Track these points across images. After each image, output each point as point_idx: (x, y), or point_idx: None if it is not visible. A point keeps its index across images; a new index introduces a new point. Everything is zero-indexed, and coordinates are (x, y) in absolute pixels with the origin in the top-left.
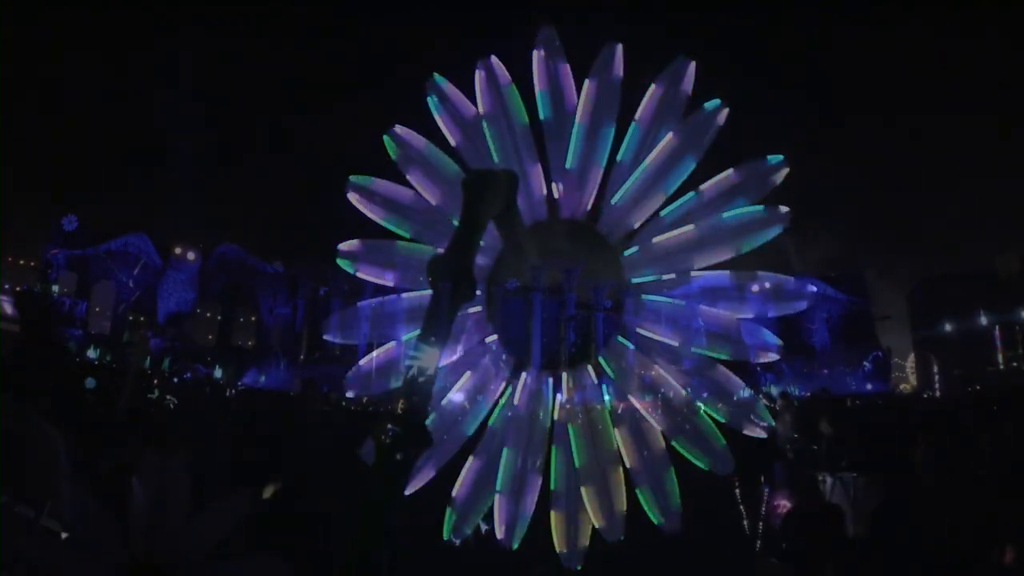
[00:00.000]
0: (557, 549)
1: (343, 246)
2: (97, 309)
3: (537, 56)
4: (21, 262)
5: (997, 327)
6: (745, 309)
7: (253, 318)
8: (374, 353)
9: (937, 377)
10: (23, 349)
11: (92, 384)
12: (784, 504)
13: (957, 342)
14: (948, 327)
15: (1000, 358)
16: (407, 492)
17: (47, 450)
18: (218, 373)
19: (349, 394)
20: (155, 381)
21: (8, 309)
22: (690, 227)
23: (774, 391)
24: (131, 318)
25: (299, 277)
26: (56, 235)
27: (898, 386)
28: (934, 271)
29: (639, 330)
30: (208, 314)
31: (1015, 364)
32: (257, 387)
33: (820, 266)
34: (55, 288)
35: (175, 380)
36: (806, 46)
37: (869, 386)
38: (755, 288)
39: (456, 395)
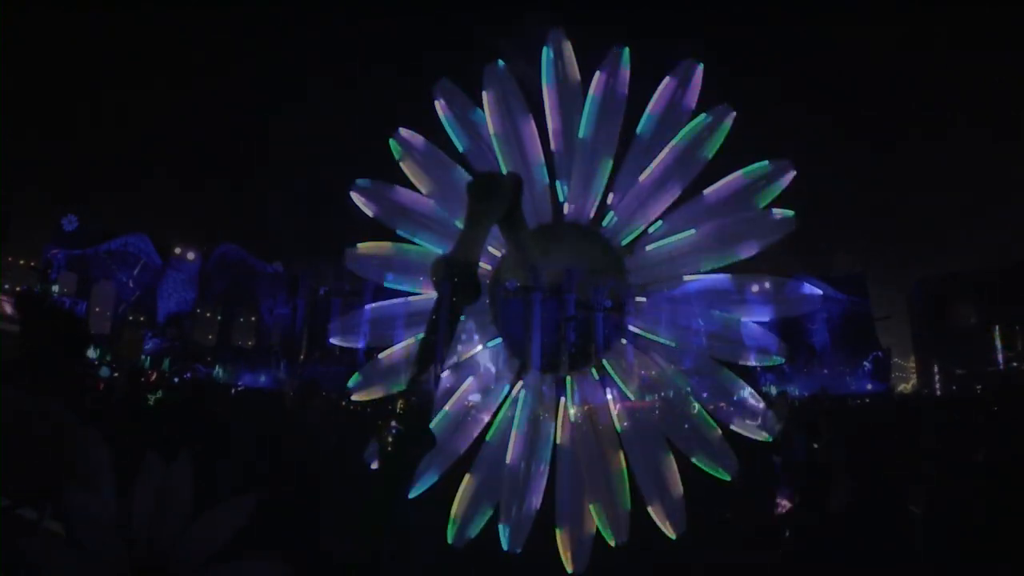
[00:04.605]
0: (561, 552)
1: (349, 250)
2: (97, 309)
3: (544, 58)
4: (21, 262)
5: (997, 327)
6: (749, 312)
7: (253, 318)
8: (379, 356)
9: (937, 377)
10: (35, 348)
11: (107, 373)
12: (784, 504)
13: (957, 342)
14: (948, 327)
15: (1000, 358)
16: (410, 495)
17: (92, 455)
18: (218, 373)
19: (354, 398)
20: (153, 379)
21: (8, 309)
22: (695, 230)
23: (774, 391)
24: (131, 318)
25: (299, 277)
26: (56, 235)
27: (898, 386)
28: (934, 271)
29: (642, 332)
30: (208, 314)
31: (1015, 364)
32: (257, 387)
33: (821, 266)
34: (55, 288)
35: (175, 380)
36: (809, 49)
37: (869, 386)
38: (760, 291)
39: (459, 397)
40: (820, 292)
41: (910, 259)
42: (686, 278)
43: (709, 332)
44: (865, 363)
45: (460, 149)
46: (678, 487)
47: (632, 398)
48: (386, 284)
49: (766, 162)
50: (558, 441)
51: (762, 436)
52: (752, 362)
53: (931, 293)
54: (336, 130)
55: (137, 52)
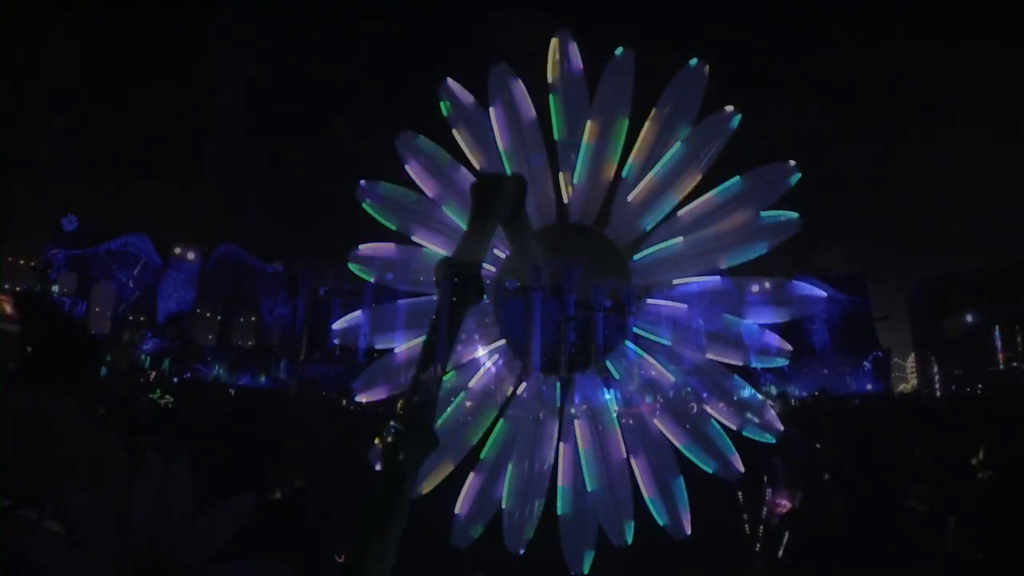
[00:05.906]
0: (564, 553)
1: (354, 250)
2: (97, 309)
3: (550, 59)
4: (21, 262)
5: (997, 327)
6: (751, 313)
7: (253, 318)
8: (391, 353)
9: (937, 377)
10: (35, 348)
11: (104, 373)
12: (785, 504)
13: (957, 342)
14: (948, 327)
15: (1000, 358)
16: (414, 496)
17: (105, 455)
18: (218, 373)
19: (358, 399)
20: (152, 379)
21: (8, 309)
22: (699, 232)
23: (774, 391)
24: (131, 318)
25: (299, 277)
26: (56, 235)
27: (898, 386)
28: (934, 271)
29: (645, 333)
30: (208, 314)
31: (1015, 364)
32: (257, 387)
33: (821, 266)
34: (55, 288)
35: (175, 380)
36: (809, 49)
37: (869, 386)
38: (762, 293)
39: (463, 398)
40: (823, 293)
41: (910, 259)
42: (689, 280)
43: (711, 333)
44: (865, 363)
45: (464, 150)
46: (681, 489)
47: (635, 400)
48: (388, 285)
49: (772, 164)
50: (560, 442)
51: (764, 437)
52: (753, 363)
53: (931, 293)
54: (339, 130)
55: (137, 52)
